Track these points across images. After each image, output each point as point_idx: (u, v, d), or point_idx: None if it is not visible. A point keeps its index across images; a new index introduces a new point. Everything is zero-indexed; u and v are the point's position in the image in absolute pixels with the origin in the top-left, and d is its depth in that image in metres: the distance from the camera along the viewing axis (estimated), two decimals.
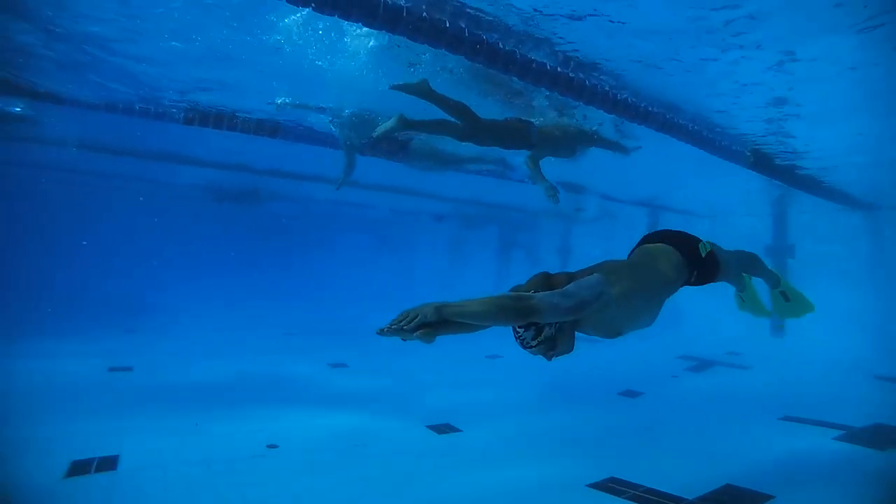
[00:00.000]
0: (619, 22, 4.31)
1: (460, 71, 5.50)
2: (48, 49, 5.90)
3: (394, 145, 7.37)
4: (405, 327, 2.12)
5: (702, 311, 11.59)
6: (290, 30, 4.96)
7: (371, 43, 5.15)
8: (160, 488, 3.58)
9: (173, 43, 5.54)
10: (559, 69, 4.99)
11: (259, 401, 5.89)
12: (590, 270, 2.66)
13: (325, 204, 17.29)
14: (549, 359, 2.56)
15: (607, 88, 5.42)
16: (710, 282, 3.32)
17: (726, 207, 13.82)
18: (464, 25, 4.31)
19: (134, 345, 9.19)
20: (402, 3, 3.93)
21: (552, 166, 7.19)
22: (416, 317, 2.12)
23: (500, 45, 4.55)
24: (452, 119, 5.43)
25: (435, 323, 2.16)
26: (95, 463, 3.92)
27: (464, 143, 5.90)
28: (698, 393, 7.36)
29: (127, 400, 5.71)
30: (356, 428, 5.08)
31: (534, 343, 2.44)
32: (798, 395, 6.96)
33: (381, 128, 5.68)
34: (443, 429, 5.14)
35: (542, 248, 19.42)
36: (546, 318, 2.30)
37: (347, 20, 3.80)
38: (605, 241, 17.20)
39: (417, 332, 2.12)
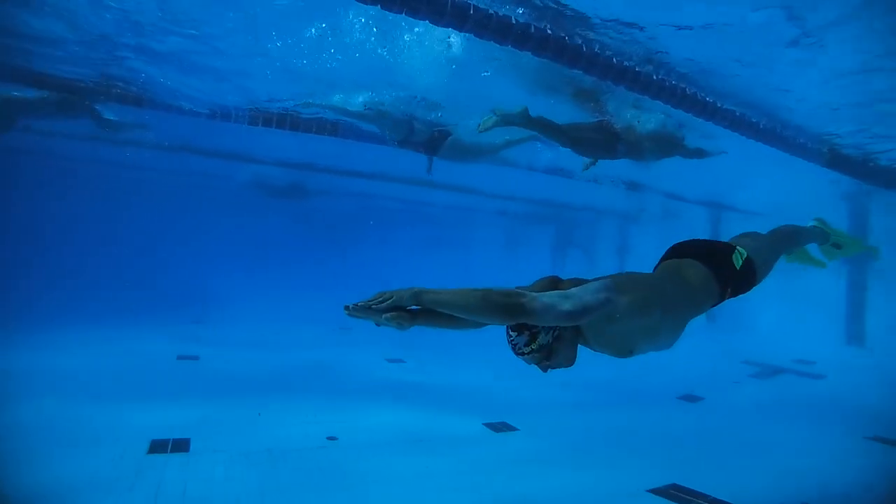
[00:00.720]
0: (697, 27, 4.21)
1: (530, 68, 5.45)
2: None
3: (432, 140, 7.44)
4: (375, 307, 1.97)
5: (767, 312, 11.05)
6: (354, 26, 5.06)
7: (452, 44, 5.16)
8: (227, 474, 3.74)
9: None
10: (637, 68, 4.92)
11: (318, 393, 6.06)
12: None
13: (381, 199, 17.58)
14: (545, 370, 2.31)
15: (675, 83, 5.27)
16: (749, 290, 2.97)
17: (794, 207, 13.13)
18: (545, 26, 4.32)
19: (199, 335, 9.60)
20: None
21: (615, 166, 7.05)
22: (391, 298, 1.97)
23: (575, 41, 4.50)
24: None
25: (410, 308, 2.02)
26: (171, 444, 4.16)
27: (494, 133, 5.94)
28: (766, 402, 7.02)
29: (194, 387, 6.00)
30: (414, 424, 5.14)
31: (526, 350, 2.20)
32: (887, 413, 6.26)
33: (488, 122, 5.48)
34: (500, 427, 5.13)
35: (600, 247, 19.06)
36: (539, 319, 2.04)
37: (415, 17, 3.84)
38: (665, 242, 16.68)
39: (389, 315, 1.97)
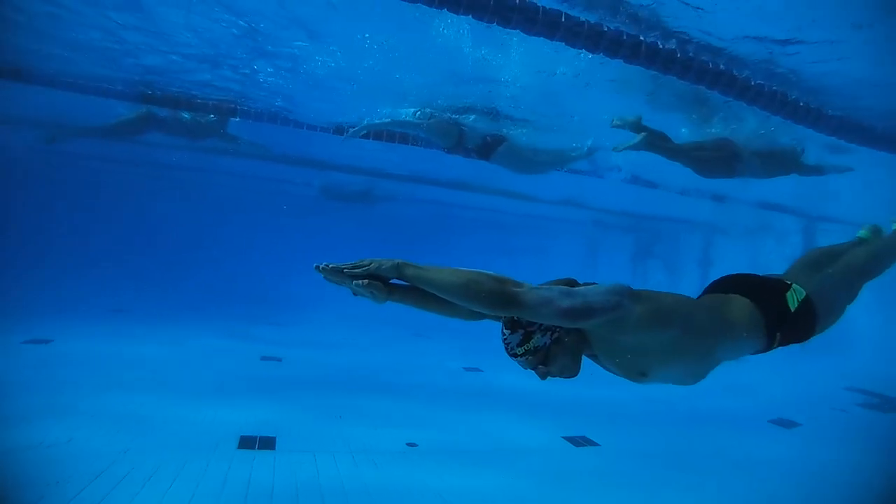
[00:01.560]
0: None
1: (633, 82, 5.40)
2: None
3: (485, 146, 7.34)
4: (349, 271, 1.81)
5: (879, 331, 10.12)
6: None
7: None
8: (312, 473, 3.83)
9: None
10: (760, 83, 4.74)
11: (396, 398, 6.13)
12: None
13: (456, 207, 17.66)
14: (543, 377, 2.04)
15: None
16: (807, 339, 2.41)
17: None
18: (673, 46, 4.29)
19: (280, 337, 9.98)
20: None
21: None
22: (369, 265, 1.81)
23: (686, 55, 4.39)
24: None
25: (389, 280, 1.85)
26: (258, 441, 4.32)
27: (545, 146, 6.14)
28: (885, 438, 6.40)
29: (278, 387, 6.22)
30: (492, 434, 5.09)
31: (519, 351, 1.95)
32: None
33: (630, 144, 5.56)
34: (580, 441, 4.98)
35: (683, 259, 18.29)
36: (534, 314, 1.80)
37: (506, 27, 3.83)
38: (752, 256, 15.79)
39: (363, 283, 1.80)
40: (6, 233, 16.25)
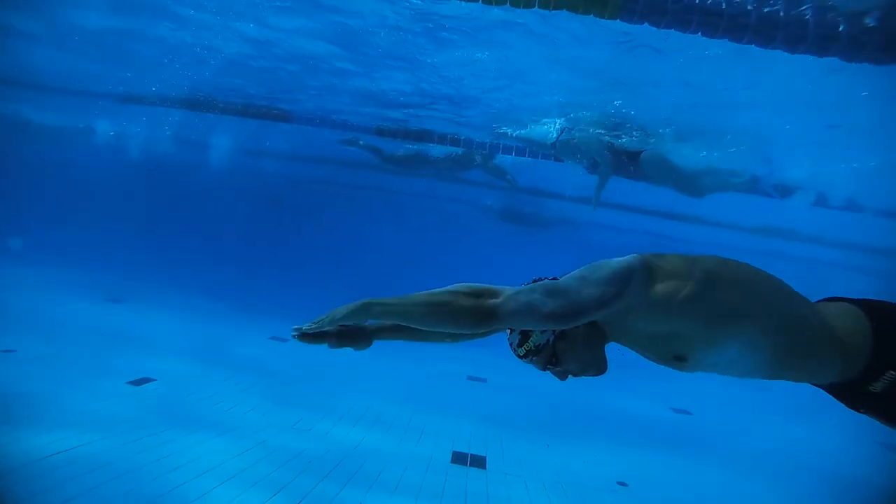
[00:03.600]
0: None
1: None
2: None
3: (620, 159, 7.29)
4: (310, 330, 1.60)
5: None
6: None
7: None
8: (525, 498, 3.86)
9: None
10: None
11: (601, 434, 5.90)
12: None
13: (638, 234, 16.70)
14: (562, 378, 1.74)
15: None
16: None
17: None
18: None
19: (485, 358, 10.19)
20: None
21: None
22: (324, 319, 1.59)
23: None
24: None
25: (362, 325, 1.69)
26: (469, 458, 4.51)
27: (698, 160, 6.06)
28: None
29: (484, 407, 6.39)
30: (708, 481, 4.62)
31: (520, 352, 1.71)
32: None
33: None
34: None
35: None
36: (518, 324, 1.58)
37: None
38: None
39: (331, 343, 1.65)
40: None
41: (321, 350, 1.71)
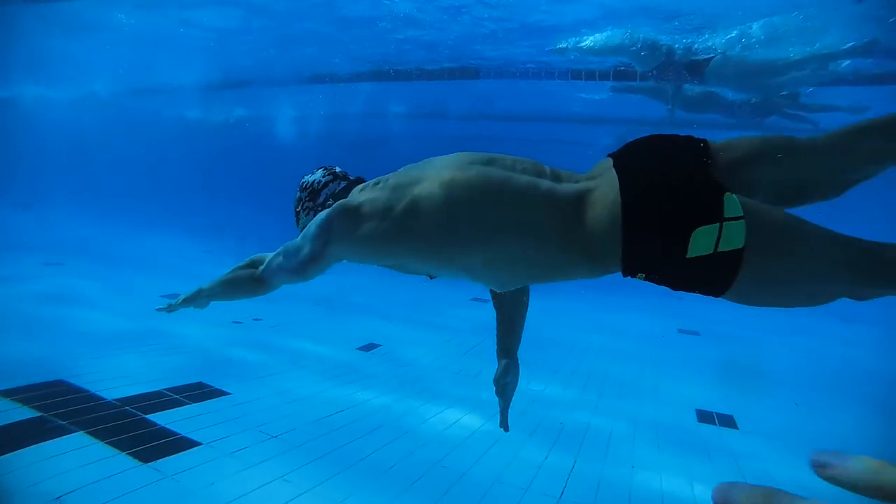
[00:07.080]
0: None
1: None
2: None
3: (695, 65, 7.25)
4: (172, 309, 1.81)
5: None
6: None
7: None
8: (782, 468, 3.73)
9: None
10: None
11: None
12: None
13: None
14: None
15: None
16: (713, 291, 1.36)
17: None
18: None
19: (690, 310, 9.61)
20: None
21: None
22: (178, 303, 1.79)
23: None
24: None
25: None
26: (715, 417, 4.49)
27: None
28: None
29: (705, 362, 6.24)
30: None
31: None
32: None
33: None
34: None
35: None
36: (276, 284, 1.71)
37: None
38: None
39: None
40: None
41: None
